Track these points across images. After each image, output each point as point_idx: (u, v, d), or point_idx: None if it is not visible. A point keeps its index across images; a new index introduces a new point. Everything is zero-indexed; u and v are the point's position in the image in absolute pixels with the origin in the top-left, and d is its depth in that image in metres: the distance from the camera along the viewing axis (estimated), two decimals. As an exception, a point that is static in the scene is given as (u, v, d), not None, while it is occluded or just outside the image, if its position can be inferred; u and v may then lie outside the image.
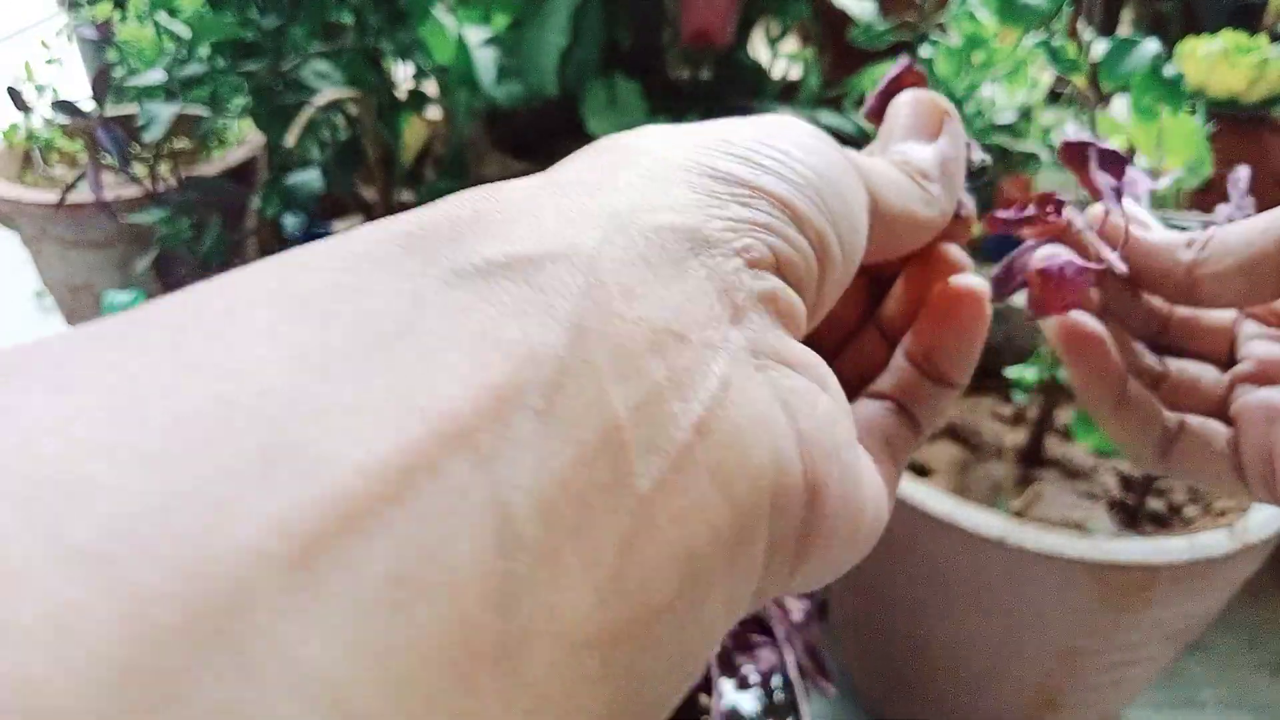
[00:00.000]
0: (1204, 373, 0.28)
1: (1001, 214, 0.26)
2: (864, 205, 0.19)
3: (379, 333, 0.11)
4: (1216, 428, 0.26)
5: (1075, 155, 0.27)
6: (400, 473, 0.10)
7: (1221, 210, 0.30)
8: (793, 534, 0.16)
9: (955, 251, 0.23)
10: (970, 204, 0.24)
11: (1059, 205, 0.25)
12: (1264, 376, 0.26)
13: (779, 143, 0.18)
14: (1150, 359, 0.29)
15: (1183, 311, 0.29)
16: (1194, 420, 0.25)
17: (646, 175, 0.16)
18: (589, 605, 0.11)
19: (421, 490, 0.10)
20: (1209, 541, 0.57)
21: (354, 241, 0.13)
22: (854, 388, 0.23)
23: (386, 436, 0.10)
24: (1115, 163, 0.26)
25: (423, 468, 0.10)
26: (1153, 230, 0.26)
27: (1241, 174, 0.30)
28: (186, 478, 0.09)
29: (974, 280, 0.23)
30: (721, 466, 0.14)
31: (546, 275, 0.13)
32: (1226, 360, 0.29)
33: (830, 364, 0.20)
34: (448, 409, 0.11)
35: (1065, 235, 0.26)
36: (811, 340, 0.23)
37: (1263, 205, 0.27)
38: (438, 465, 0.10)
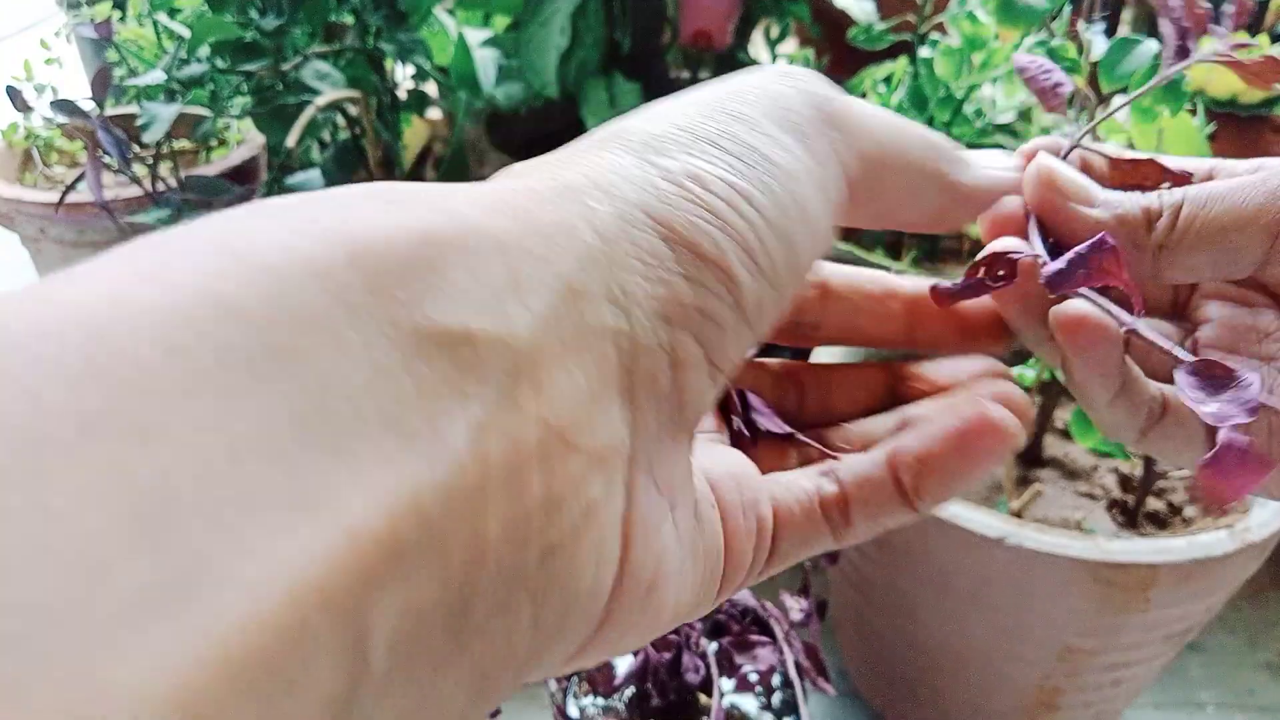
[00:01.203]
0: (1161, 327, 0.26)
1: (943, 287, 0.24)
2: (823, 214, 0.18)
3: (298, 419, 0.11)
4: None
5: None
6: (276, 631, 0.10)
7: None
8: (585, 635, 0.17)
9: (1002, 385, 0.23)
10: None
11: (1010, 266, 0.23)
12: (1229, 345, 0.25)
13: (758, 159, 0.17)
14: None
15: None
16: (1176, 399, 0.24)
17: (600, 236, 0.16)
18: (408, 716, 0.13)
19: (296, 645, 0.10)
20: (1209, 541, 0.57)
21: (291, 287, 0.12)
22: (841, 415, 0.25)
23: (274, 595, 0.10)
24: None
25: (295, 626, 0.10)
26: (1099, 203, 0.23)
27: None
28: (77, 608, 0.09)
29: (1006, 416, 0.21)
30: (544, 592, 0.14)
31: (473, 353, 0.13)
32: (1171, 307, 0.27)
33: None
34: (337, 556, 0.11)
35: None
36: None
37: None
38: (308, 623, 0.11)
